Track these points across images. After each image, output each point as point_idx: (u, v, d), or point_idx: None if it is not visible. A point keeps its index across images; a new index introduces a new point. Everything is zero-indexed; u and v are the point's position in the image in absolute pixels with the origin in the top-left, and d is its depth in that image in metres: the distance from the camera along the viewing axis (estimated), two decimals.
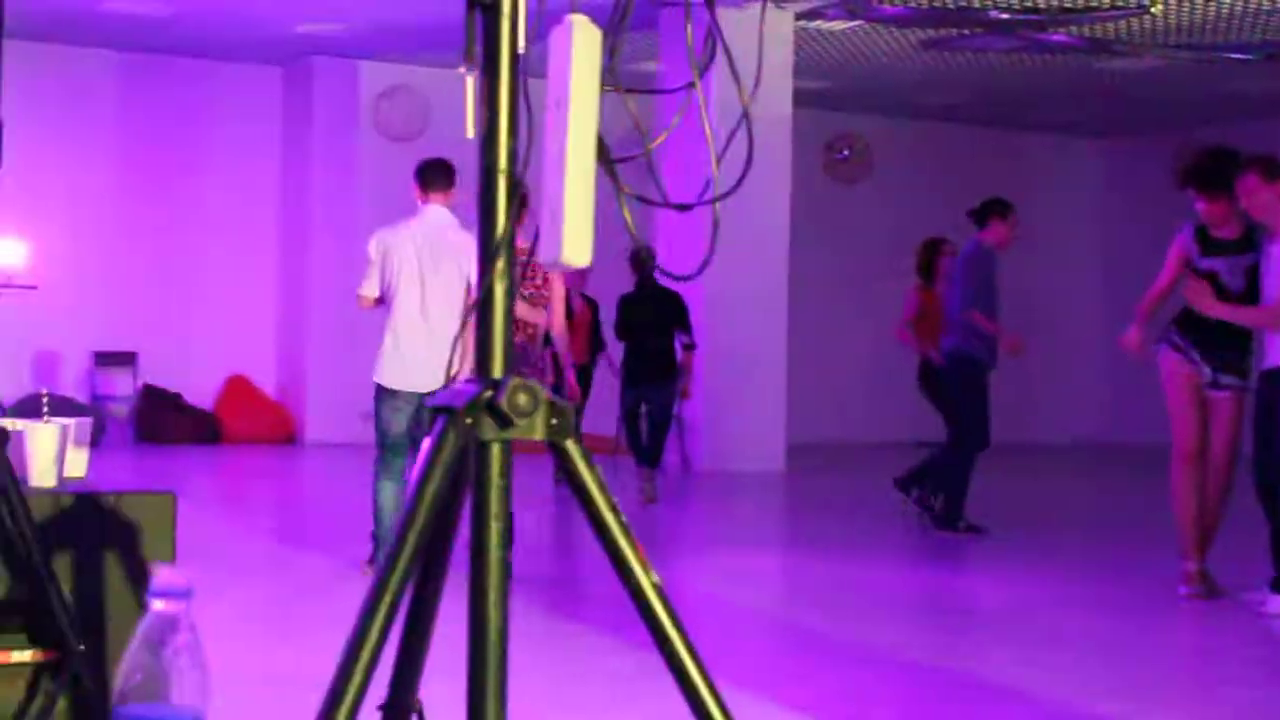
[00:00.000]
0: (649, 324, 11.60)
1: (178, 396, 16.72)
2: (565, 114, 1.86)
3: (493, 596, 1.85)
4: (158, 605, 1.15)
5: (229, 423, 16.69)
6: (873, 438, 19.45)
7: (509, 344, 1.86)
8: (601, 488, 1.84)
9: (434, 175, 7.63)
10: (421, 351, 7.32)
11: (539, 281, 8.00)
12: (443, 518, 1.84)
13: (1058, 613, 7.14)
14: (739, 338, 14.73)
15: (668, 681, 1.84)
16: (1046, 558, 9.16)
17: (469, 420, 1.79)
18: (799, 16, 14.47)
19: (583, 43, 1.88)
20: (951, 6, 14.00)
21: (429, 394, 7.15)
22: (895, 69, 16.97)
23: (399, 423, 7.17)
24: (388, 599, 1.75)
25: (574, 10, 1.90)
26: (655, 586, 1.85)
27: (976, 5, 13.96)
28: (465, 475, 1.84)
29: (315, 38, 16.03)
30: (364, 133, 17.01)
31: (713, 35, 1.94)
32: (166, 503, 3.25)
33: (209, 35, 15.96)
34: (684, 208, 1.97)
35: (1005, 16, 14.25)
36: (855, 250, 19.49)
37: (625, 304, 11.62)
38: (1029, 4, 13.89)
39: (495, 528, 1.85)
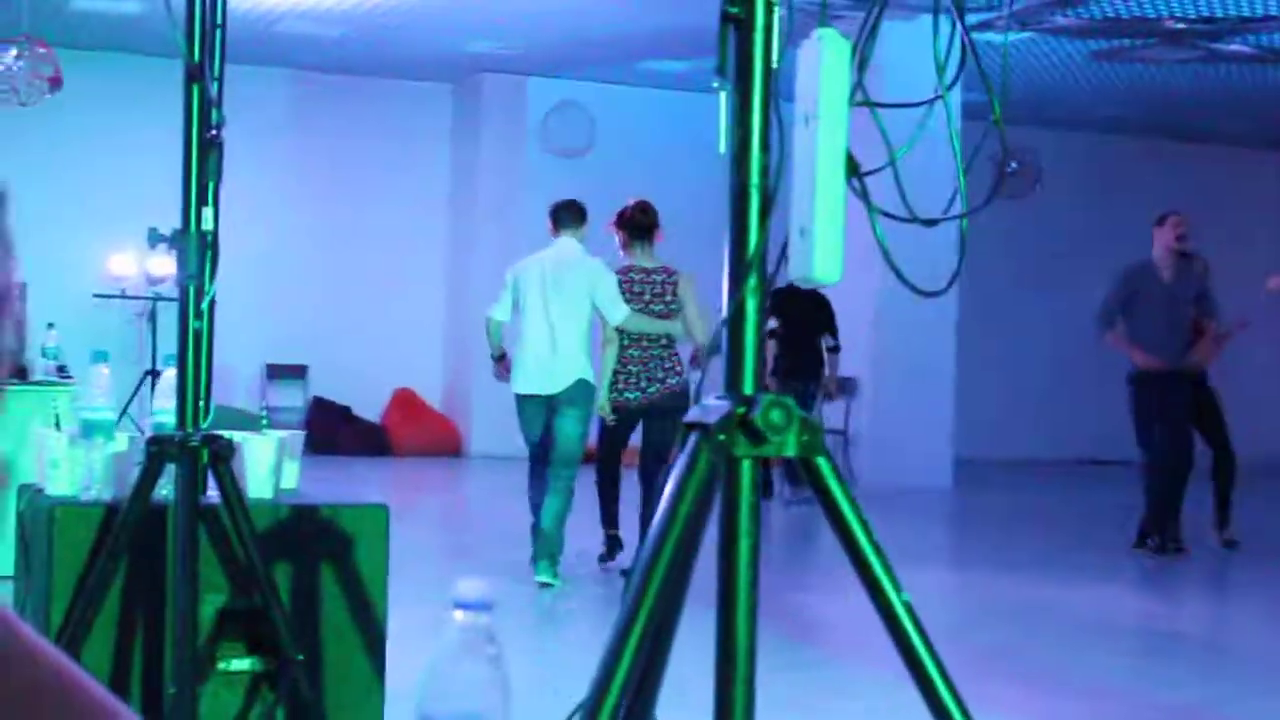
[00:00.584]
0: (800, 321, 11.72)
1: (347, 409, 17.00)
2: (815, 129, 1.85)
3: (742, 616, 1.85)
4: (461, 616, 1.16)
5: (396, 435, 16.93)
6: (1043, 455, 19.14)
7: (760, 361, 1.85)
8: (853, 505, 1.83)
9: (565, 213, 8.41)
10: (544, 359, 8.15)
11: (669, 298, 8.41)
12: (694, 535, 1.84)
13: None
14: (907, 350, 14.61)
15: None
16: (1248, 582, 8.94)
17: (722, 436, 1.79)
18: (970, 29, 14.31)
19: (832, 57, 1.88)
20: (1125, 17, 13.75)
21: (553, 396, 8.07)
22: (1065, 80, 16.71)
23: (530, 427, 8.25)
24: (643, 617, 1.75)
25: (821, 24, 1.89)
26: (906, 606, 1.83)
27: (1151, 15, 13.70)
28: (715, 492, 1.84)
29: (485, 56, 16.24)
30: (531, 148, 17.17)
31: (964, 48, 1.92)
32: (380, 515, 3.29)
33: (380, 53, 16.24)
34: (930, 223, 1.95)
35: (1180, 26, 13.96)
36: (1022, 265, 19.22)
37: (778, 298, 11.64)
38: (1204, 13, 13.59)
39: (746, 545, 1.85)
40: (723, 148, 1.87)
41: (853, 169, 1.87)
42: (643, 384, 8.10)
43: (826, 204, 1.84)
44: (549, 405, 8.19)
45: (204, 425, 2.93)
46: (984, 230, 18.61)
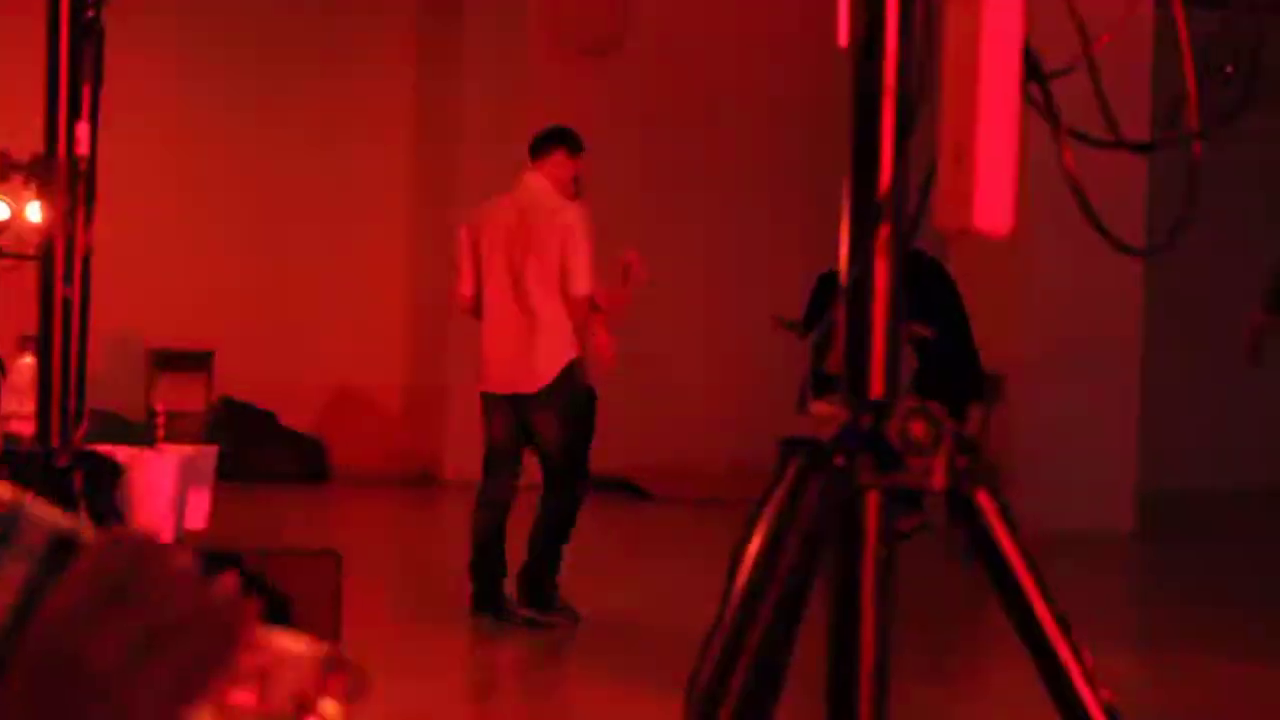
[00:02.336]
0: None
1: (269, 415, 17.02)
2: (977, 8, 1.82)
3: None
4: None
5: (339, 452, 16.94)
6: (1258, 482, 19.04)
7: (896, 350, 1.82)
8: (1031, 565, 1.79)
9: (537, 141, 9.42)
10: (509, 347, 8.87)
11: None
12: (795, 600, 1.80)
13: None
14: (1070, 345, 14.54)
15: None
16: None
17: (841, 459, 1.76)
18: None
19: None
20: None
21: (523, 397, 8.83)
22: None
23: (492, 433, 9.03)
24: (728, 705, 1.72)
25: None
26: (1106, 707, 1.79)
27: None
28: (825, 539, 1.81)
29: None
30: (535, 45, 17.14)
31: None
32: (327, 568, 3.28)
33: None
34: (1146, 148, 1.92)
35: None
36: (1234, 212, 19.10)
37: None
38: None
39: (871, 618, 1.81)
40: (842, 38, 1.83)
41: (1033, 69, 1.83)
42: None
43: (993, 119, 1.81)
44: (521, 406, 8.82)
45: (76, 437, 2.90)
46: (1169, 168, 18.23)
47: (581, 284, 8.69)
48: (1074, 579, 11.79)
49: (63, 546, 1.12)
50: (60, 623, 1.08)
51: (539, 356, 8.78)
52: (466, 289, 9.13)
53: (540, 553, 8.85)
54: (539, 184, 9.14)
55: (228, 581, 1.12)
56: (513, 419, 8.94)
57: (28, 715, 1.07)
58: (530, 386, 8.76)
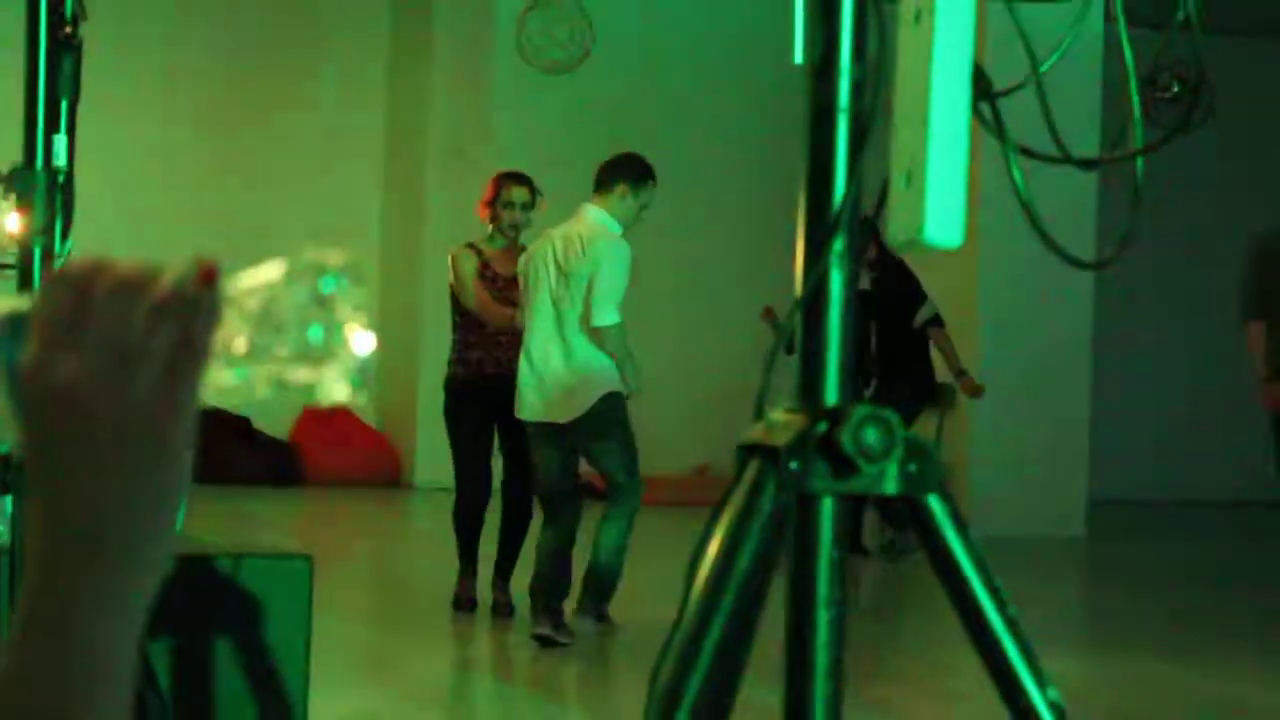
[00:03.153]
0: (890, 304, 12.08)
1: (245, 422, 16.99)
2: (929, 31, 1.83)
3: (819, 717, 1.82)
4: None
5: (313, 457, 16.91)
6: (1207, 493, 19.10)
7: (849, 358, 1.82)
8: (980, 567, 1.80)
9: (602, 172, 8.76)
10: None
11: None
12: (751, 602, 1.80)
13: None
14: (1024, 357, 14.56)
15: None
16: None
17: (794, 464, 1.76)
18: None
19: None
20: None
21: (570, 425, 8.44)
22: None
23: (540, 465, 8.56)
24: (686, 703, 1.73)
25: None
26: (1055, 708, 1.80)
27: None
28: (780, 542, 1.81)
29: None
30: (503, 61, 17.13)
31: None
32: (299, 570, 3.28)
33: None
34: (1091, 164, 1.92)
35: None
36: (1184, 231, 19.15)
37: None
38: None
39: (825, 620, 1.82)
40: (798, 56, 1.84)
41: (982, 88, 1.84)
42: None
43: (944, 137, 1.81)
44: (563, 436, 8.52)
45: None
46: (1119, 182, 18.32)
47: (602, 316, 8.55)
48: (1028, 582, 11.83)
49: (21, 320, 1.11)
50: (32, 369, 1.07)
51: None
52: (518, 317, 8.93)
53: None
54: (591, 213, 8.72)
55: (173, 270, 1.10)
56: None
57: (44, 464, 1.08)
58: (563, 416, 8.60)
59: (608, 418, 8.38)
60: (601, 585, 8.37)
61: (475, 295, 9.11)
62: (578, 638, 8.26)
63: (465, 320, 9.26)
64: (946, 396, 14.44)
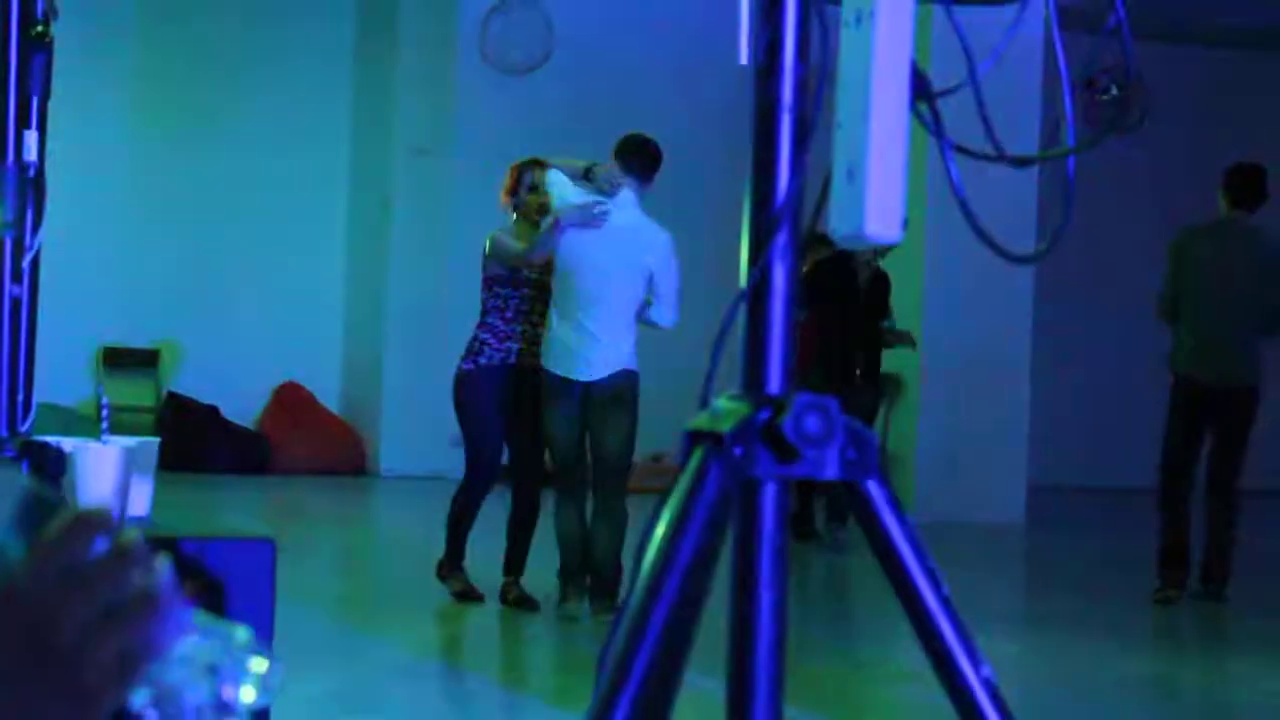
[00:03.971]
0: (840, 303, 11.92)
1: (214, 410, 16.94)
2: (870, 32, 1.83)
3: (762, 694, 1.82)
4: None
5: (280, 445, 16.87)
6: (1141, 481, 19.15)
7: (791, 348, 1.83)
8: (919, 550, 1.80)
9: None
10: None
11: None
12: (696, 584, 1.81)
13: None
14: (966, 350, 14.61)
15: None
16: None
17: (738, 451, 1.77)
18: None
19: None
20: None
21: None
22: None
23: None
24: (628, 697, 1.72)
25: None
26: (987, 684, 1.81)
27: None
28: (725, 526, 1.82)
29: None
30: (466, 62, 17.10)
31: None
32: (262, 553, 3.27)
33: None
34: (1025, 162, 1.93)
35: None
36: (1120, 227, 19.22)
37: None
38: None
39: (768, 601, 1.82)
40: (744, 57, 1.84)
41: (920, 88, 1.85)
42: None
43: (883, 135, 1.82)
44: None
45: (24, 428, 2.90)
46: (1057, 180, 18.37)
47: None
48: (972, 568, 11.88)
49: (38, 504, 1.15)
50: (26, 594, 1.12)
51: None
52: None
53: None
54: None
55: (164, 566, 1.15)
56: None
57: None
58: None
59: None
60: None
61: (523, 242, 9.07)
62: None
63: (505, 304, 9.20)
64: (892, 388, 14.50)
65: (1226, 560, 10.02)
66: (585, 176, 8.81)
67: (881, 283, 12.36)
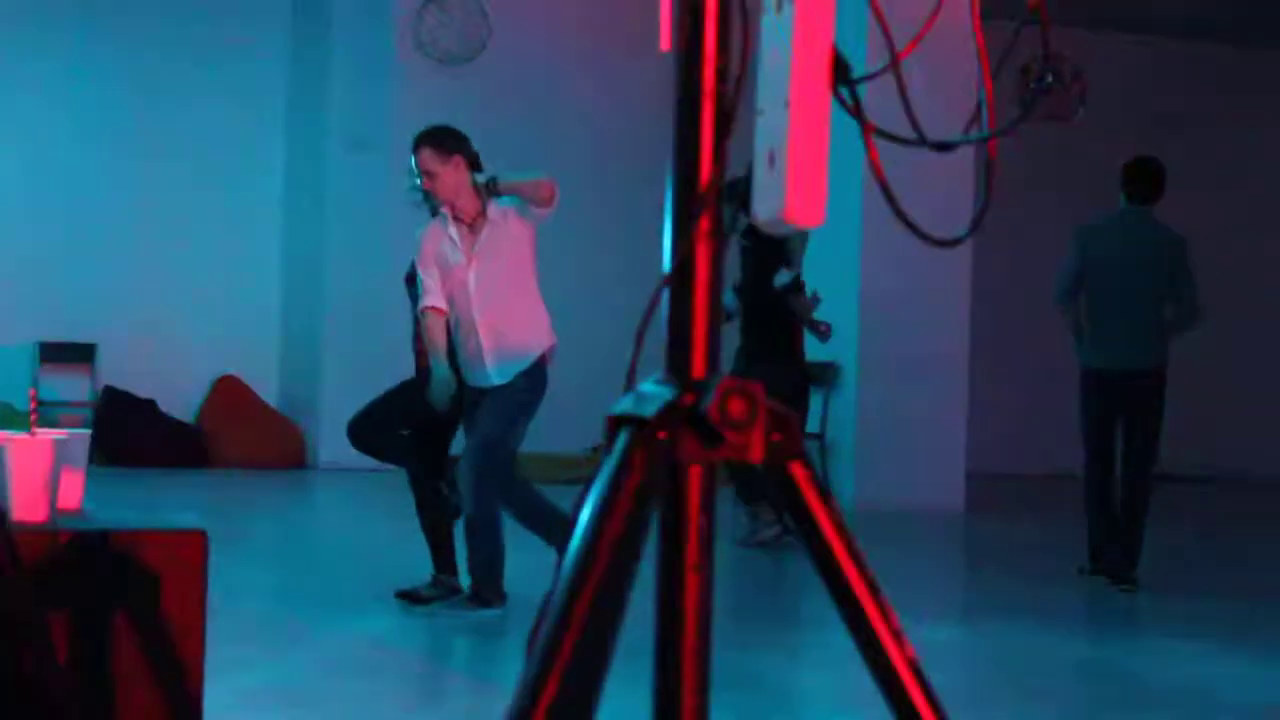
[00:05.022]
0: (759, 282, 11.74)
1: (150, 404, 16.88)
2: (789, 18, 1.84)
3: (688, 683, 1.83)
4: None
5: (217, 439, 16.82)
6: (1059, 468, 19.29)
7: (715, 332, 1.84)
8: (843, 532, 1.81)
9: None
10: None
11: None
12: (621, 571, 1.81)
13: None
14: (905, 341, 14.67)
15: None
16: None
17: (663, 435, 1.77)
18: None
19: None
20: None
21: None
22: None
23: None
24: (553, 684, 1.73)
25: None
26: (911, 663, 1.82)
27: None
28: (651, 509, 1.82)
29: None
30: (399, 51, 17.08)
31: None
32: (195, 545, 3.27)
33: None
34: (945, 147, 1.94)
35: None
36: (1059, 217, 19.32)
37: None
38: None
39: (695, 583, 1.83)
40: (665, 44, 1.85)
41: (841, 73, 1.86)
42: None
43: (805, 120, 1.83)
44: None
45: None
46: (1005, 167, 18.43)
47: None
48: (908, 556, 11.93)
49: None
50: None
51: None
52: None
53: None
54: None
55: None
56: None
57: None
58: None
59: None
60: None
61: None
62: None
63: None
64: (829, 376, 14.53)
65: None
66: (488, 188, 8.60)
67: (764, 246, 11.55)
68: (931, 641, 8.40)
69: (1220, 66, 20.40)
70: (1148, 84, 19.98)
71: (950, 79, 13.70)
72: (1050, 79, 18.55)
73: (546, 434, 16.52)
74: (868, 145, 1.86)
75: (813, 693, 7.42)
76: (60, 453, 3.31)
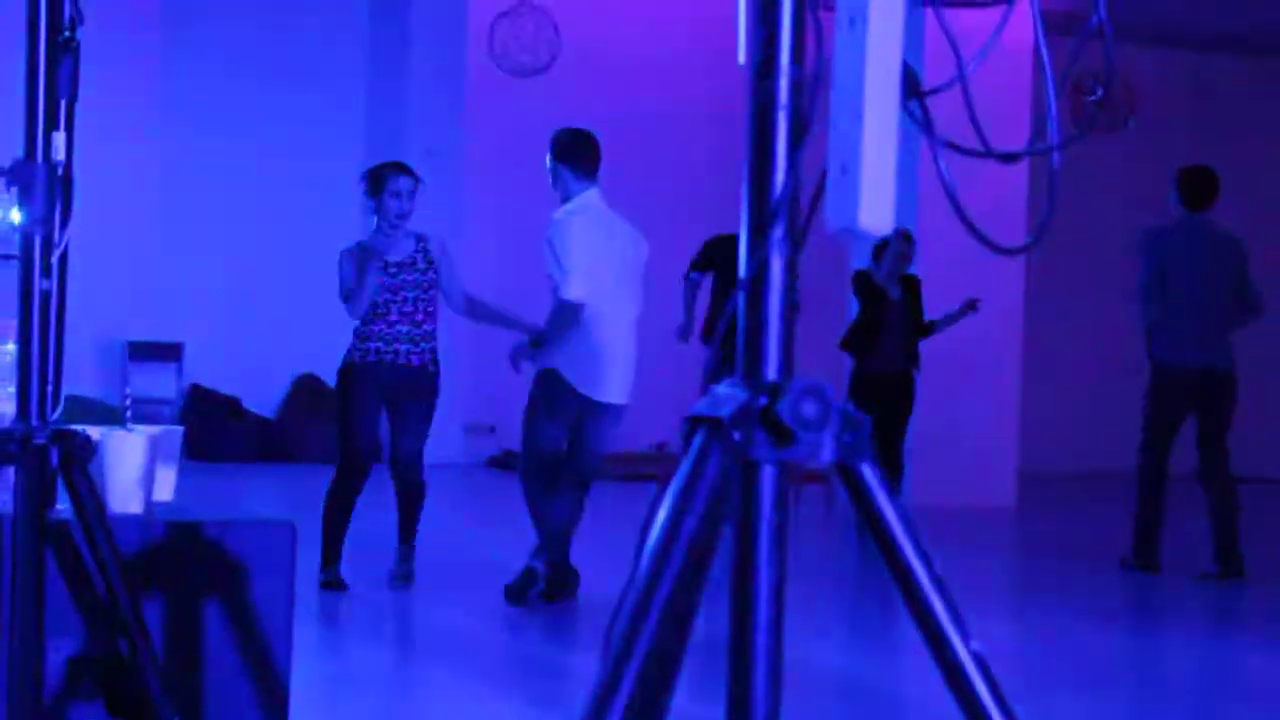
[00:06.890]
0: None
1: (234, 401, 16.96)
2: (863, 34, 1.84)
3: (761, 677, 1.83)
4: None
5: (298, 435, 16.88)
6: (1113, 466, 19.17)
7: (790, 335, 1.83)
8: (911, 530, 1.81)
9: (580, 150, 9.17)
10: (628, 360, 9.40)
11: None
12: (697, 567, 1.81)
13: None
14: (959, 343, 14.62)
15: None
16: None
17: (737, 434, 1.77)
18: None
19: None
20: None
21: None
22: None
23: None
24: (629, 680, 1.73)
25: None
26: (977, 658, 1.81)
27: None
28: (725, 508, 1.82)
29: None
30: (474, 65, 17.12)
31: None
32: (282, 536, 3.28)
33: None
34: (1011, 158, 1.93)
35: None
36: (1108, 224, 19.23)
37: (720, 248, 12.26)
38: None
39: (767, 580, 1.83)
40: (741, 58, 1.85)
41: (911, 87, 1.85)
42: None
43: (876, 132, 1.83)
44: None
45: (53, 417, 2.90)
46: (1045, 179, 18.37)
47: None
48: (963, 552, 11.88)
49: None
50: None
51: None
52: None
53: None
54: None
55: None
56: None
57: None
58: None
59: None
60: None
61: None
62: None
63: None
64: None
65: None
66: None
67: (914, 286, 12.60)
68: (989, 635, 8.40)
69: (1260, 76, 20.28)
70: (1187, 95, 19.86)
71: (1002, 95, 13.64)
72: (1101, 92, 18.46)
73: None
74: (936, 156, 1.85)
75: (876, 684, 7.40)
76: (154, 448, 3.33)
